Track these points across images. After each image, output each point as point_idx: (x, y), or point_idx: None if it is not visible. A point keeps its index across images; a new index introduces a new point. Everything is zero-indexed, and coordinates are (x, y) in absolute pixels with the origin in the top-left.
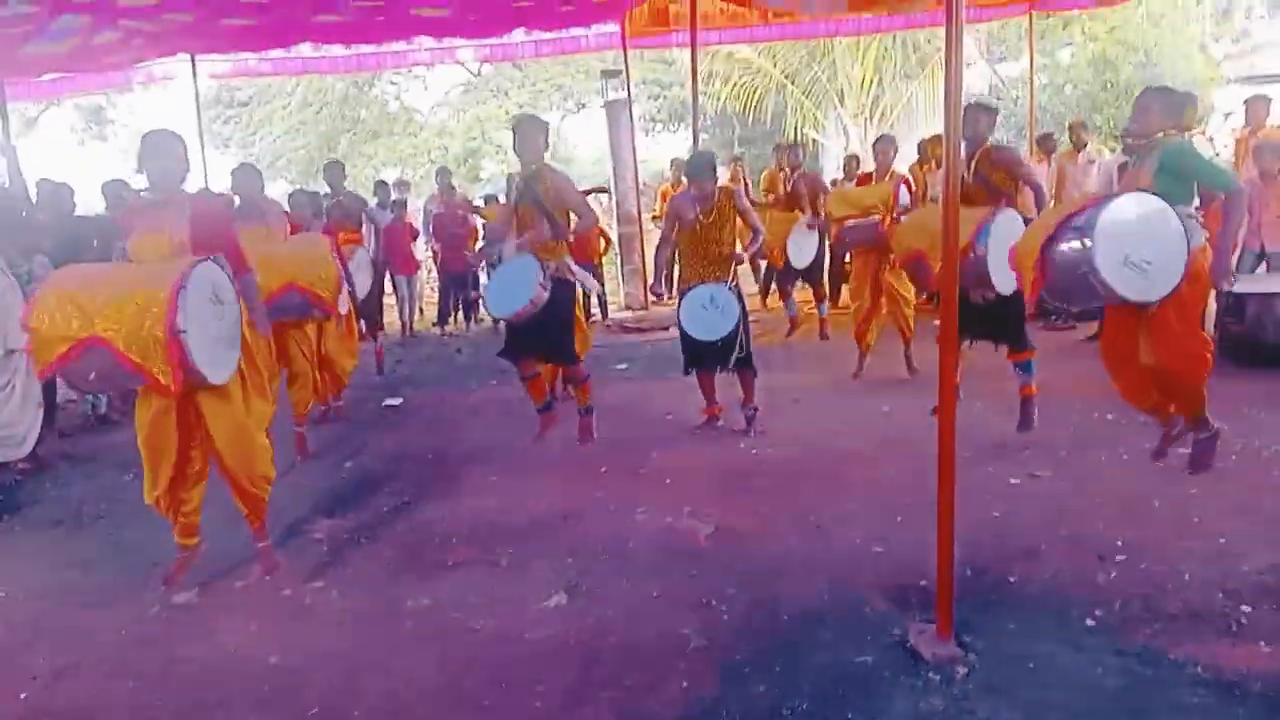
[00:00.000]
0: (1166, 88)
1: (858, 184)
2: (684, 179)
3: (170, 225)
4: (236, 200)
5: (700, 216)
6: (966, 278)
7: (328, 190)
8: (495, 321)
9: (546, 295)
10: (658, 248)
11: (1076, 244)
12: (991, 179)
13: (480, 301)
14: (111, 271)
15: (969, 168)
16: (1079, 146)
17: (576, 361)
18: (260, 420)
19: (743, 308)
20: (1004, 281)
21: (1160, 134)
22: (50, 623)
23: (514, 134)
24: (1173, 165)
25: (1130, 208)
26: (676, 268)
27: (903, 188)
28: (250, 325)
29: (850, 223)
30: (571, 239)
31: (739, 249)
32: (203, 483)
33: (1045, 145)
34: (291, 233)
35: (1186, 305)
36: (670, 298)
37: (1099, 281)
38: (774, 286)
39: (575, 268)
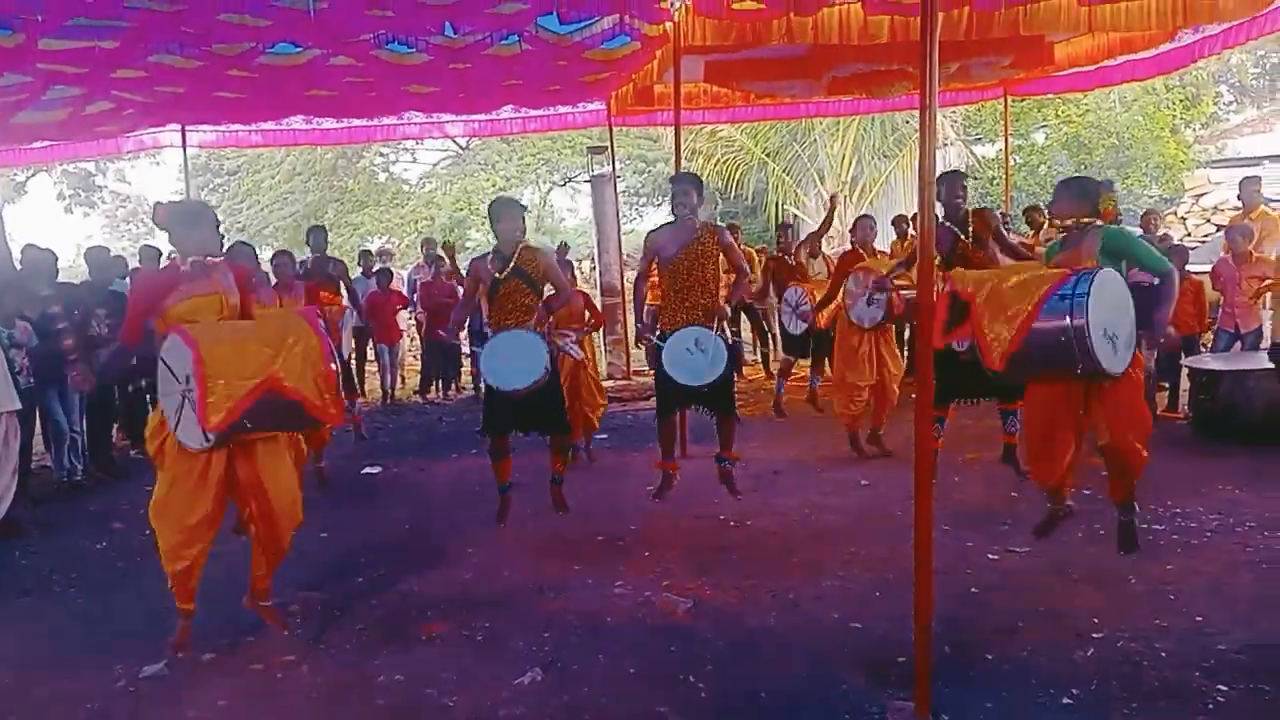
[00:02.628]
0: (1081, 177)
1: (842, 263)
2: (671, 193)
3: (221, 288)
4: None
5: (681, 253)
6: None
7: (306, 257)
8: (476, 391)
9: (550, 373)
10: (636, 281)
11: (1065, 313)
12: (987, 241)
13: (461, 372)
14: (247, 326)
15: (966, 232)
16: (1036, 228)
17: (570, 430)
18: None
19: (730, 352)
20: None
21: (1077, 219)
22: (15, 695)
23: (492, 216)
24: (1113, 247)
25: (1109, 282)
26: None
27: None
28: None
29: (907, 294)
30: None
31: (723, 298)
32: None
33: (1033, 219)
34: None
35: (1135, 378)
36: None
37: (1084, 350)
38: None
39: (561, 335)
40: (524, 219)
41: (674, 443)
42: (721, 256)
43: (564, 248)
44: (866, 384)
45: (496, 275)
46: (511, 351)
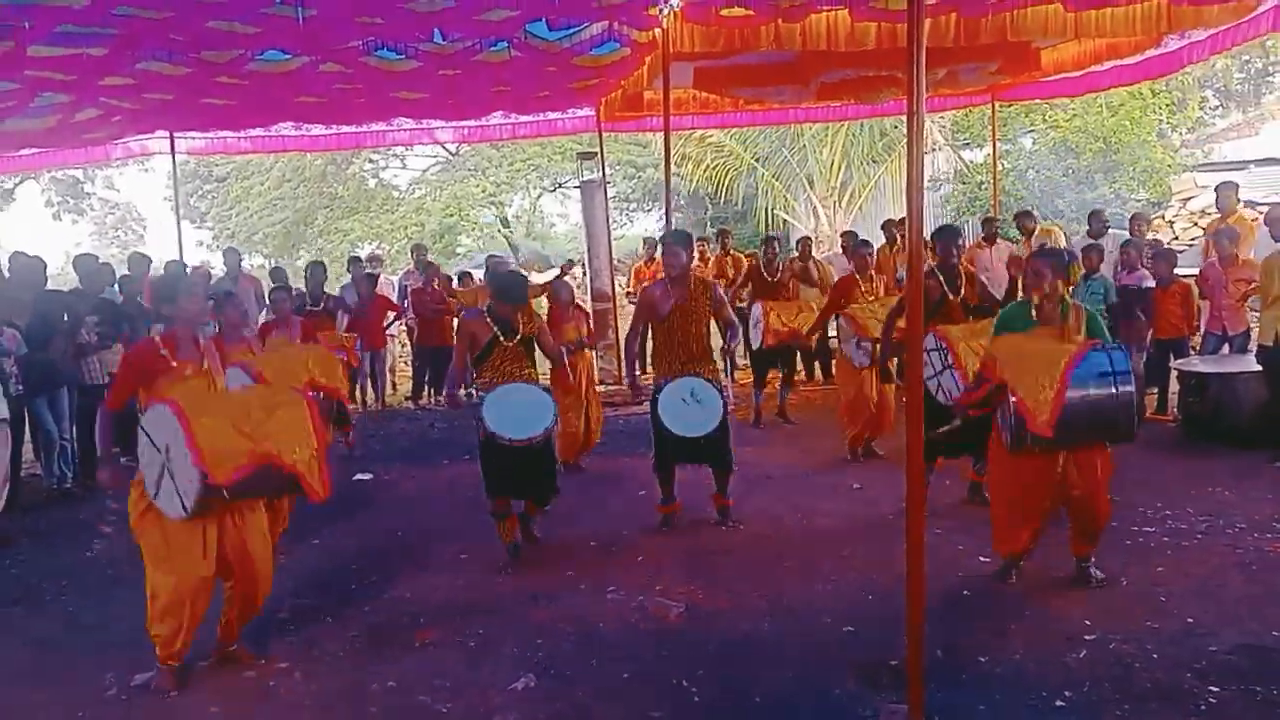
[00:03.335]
0: (1055, 250)
1: (839, 288)
2: (660, 250)
3: (212, 368)
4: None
5: (675, 308)
6: (1096, 423)
7: (302, 289)
8: (469, 397)
9: (550, 432)
10: (627, 339)
11: (1110, 388)
12: (972, 303)
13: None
14: (235, 399)
15: (955, 289)
16: (1027, 234)
17: (557, 492)
18: None
19: (725, 403)
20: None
21: (1056, 291)
22: (5, 704)
23: (496, 281)
24: (1092, 328)
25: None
26: (649, 363)
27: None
28: None
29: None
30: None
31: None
32: None
33: (1024, 225)
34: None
35: None
36: (644, 379)
37: (1125, 418)
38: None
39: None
40: (527, 287)
41: (673, 486)
42: (712, 312)
43: (569, 266)
44: (861, 395)
45: (499, 338)
46: (516, 401)
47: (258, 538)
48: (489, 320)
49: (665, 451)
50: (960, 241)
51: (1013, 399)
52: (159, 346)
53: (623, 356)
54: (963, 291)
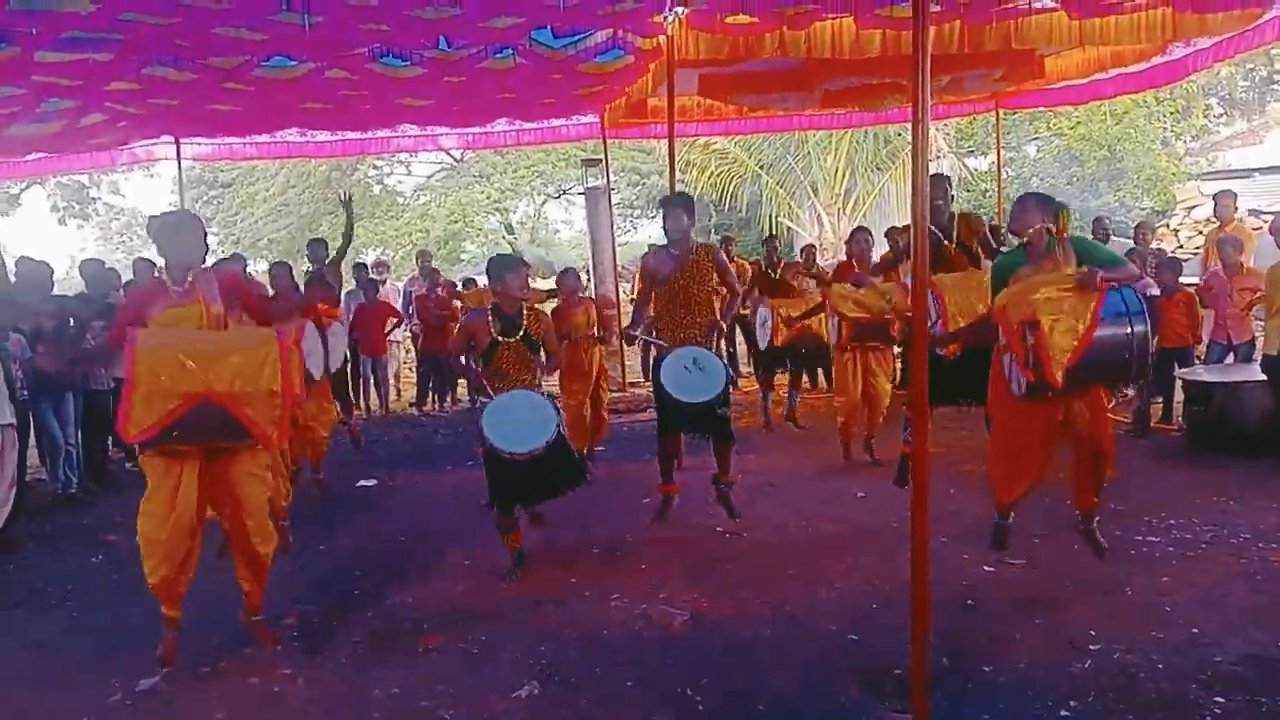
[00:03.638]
0: (1036, 193)
1: (836, 274)
2: (662, 214)
3: (204, 298)
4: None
5: (676, 273)
6: (1105, 364)
7: (308, 268)
8: (473, 403)
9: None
10: (635, 308)
11: (1125, 327)
12: (970, 245)
13: (457, 384)
14: (199, 336)
15: (950, 236)
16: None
17: (585, 482)
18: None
19: (727, 371)
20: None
21: (1039, 230)
22: (9, 709)
23: (496, 274)
24: (1085, 253)
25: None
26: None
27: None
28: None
29: (863, 323)
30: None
31: (718, 314)
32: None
33: None
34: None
35: None
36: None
37: (1138, 357)
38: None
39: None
40: (528, 277)
41: (674, 465)
42: (716, 276)
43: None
44: (850, 397)
45: (498, 337)
46: (516, 412)
47: (247, 481)
48: (490, 319)
49: (667, 419)
50: (947, 186)
51: (1031, 342)
52: (164, 280)
53: (641, 332)
54: (958, 236)
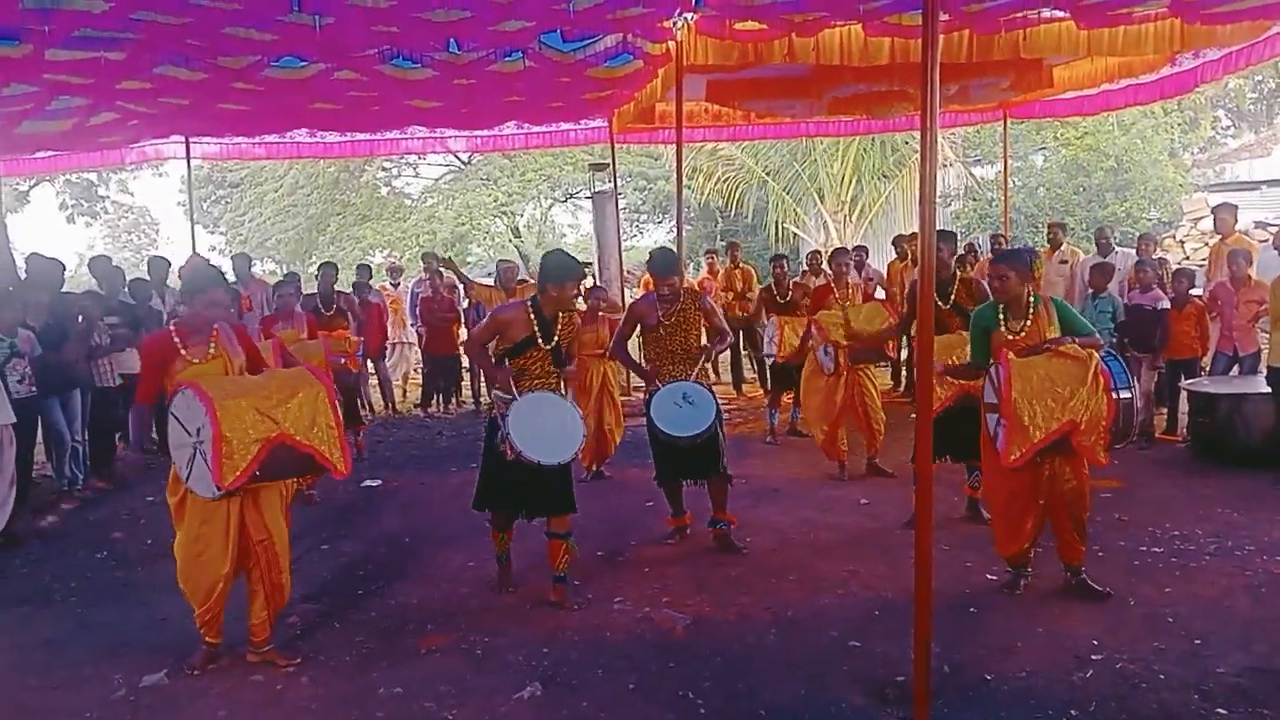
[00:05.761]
0: (1014, 251)
1: (815, 297)
2: (652, 277)
3: (225, 353)
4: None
5: (663, 319)
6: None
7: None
8: (476, 405)
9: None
10: (614, 346)
11: (1128, 392)
12: (967, 308)
13: (462, 386)
14: (257, 385)
15: (946, 298)
16: (1055, 246)
17: (573, 510)
18: None
19: (717, 407)
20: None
21: (1022, 290)
22: (11, 704)
23: (555, 278)
24: (1065, 322)
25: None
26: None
27: None
28: None
29: (858, 348)
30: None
31: (705, 343)
32: None
33: (1055, 236)
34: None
35: None
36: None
37: (1129, 420)
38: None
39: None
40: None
41: (681, 499)
42: (703, 320)
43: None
44: (827, 420)
45: (539, 340)
46: (544, 420)
47: (274, 511)
48: (532, 316)
49: (664, 464)
50: (953, 246)
51: (1002, 423)
52: (172, 335)
53: (622, 364)
54: (956, 299)
